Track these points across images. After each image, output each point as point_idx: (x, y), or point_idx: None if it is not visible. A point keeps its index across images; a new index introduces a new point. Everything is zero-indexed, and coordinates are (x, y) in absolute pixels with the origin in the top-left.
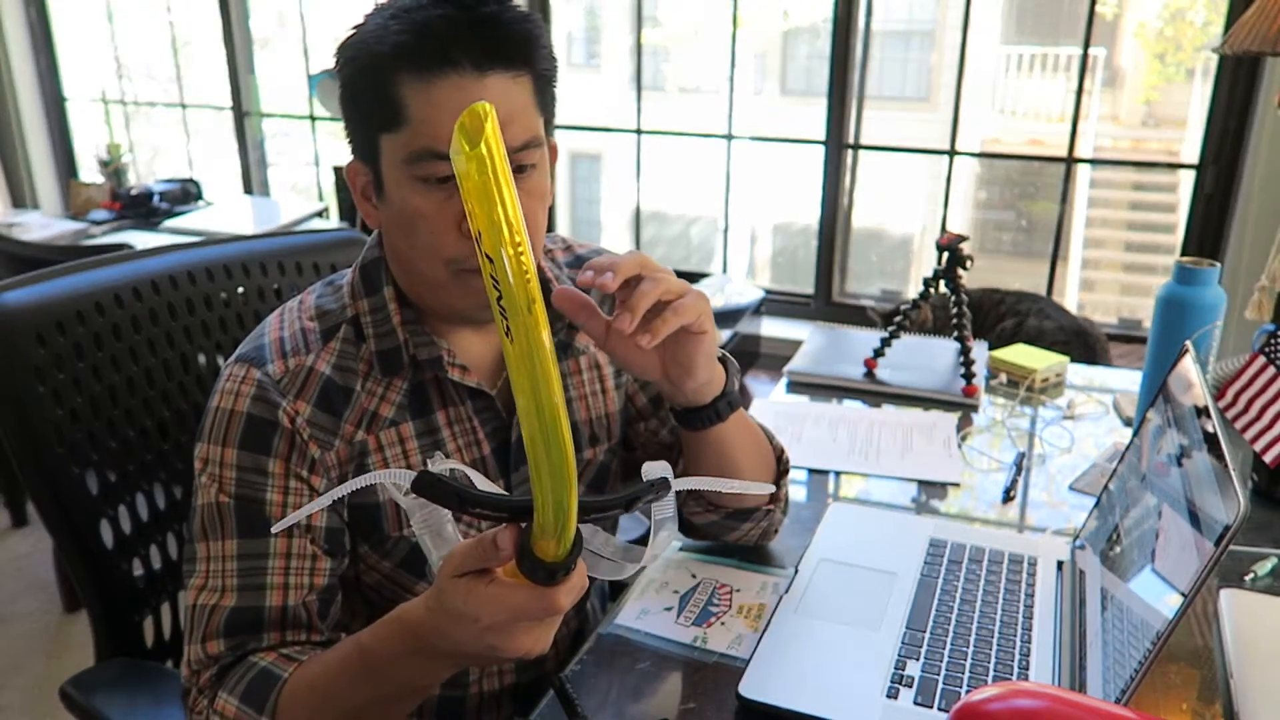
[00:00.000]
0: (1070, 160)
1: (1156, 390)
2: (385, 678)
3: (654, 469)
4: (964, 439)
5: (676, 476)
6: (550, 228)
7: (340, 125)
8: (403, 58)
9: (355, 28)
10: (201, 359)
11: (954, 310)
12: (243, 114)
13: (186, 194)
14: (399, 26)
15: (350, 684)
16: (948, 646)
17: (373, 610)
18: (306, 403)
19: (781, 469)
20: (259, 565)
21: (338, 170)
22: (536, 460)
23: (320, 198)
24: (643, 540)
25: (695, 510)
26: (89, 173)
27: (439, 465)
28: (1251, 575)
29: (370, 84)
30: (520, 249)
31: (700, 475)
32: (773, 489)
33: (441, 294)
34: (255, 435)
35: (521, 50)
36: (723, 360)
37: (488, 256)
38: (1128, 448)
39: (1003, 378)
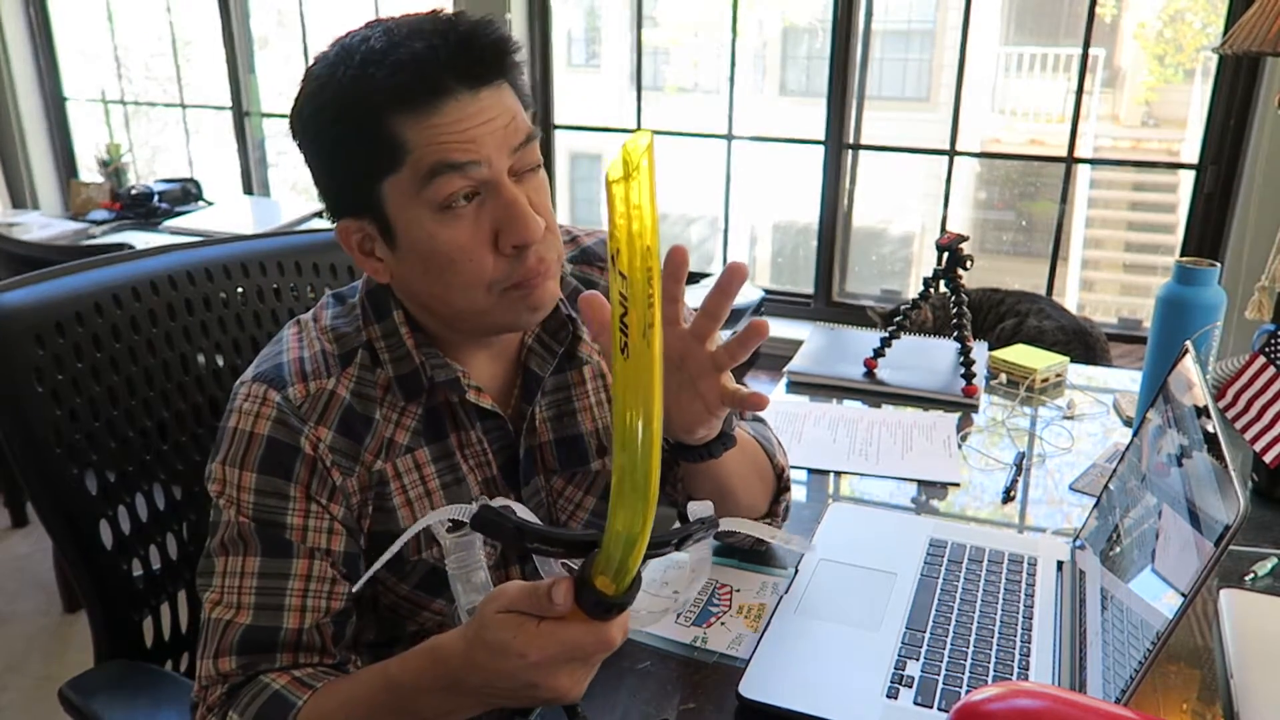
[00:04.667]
0: (1070, 160)
1: (1156, 390)
2: (409, 711)
3: (700, 509)
4: (964, 439)
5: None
6: None
7: None
8: (397, 100)
9: (316, 82)
10: (201, 359)
11: (954, 310)
12: (243, 114)
13: (186, 194)
14: (385, 72)
15: (371, 715)
16: (948, 646)
17: (384, 627)
18: (328, 429)
19: (782, 486)
20: (278, 586)
21: None
22: (620, 491)
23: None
24: None
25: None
26: (89, 173)
27: (496, 502)
28: (1251, 575)
29: (363, 136)
30: (652, 272)
31: (695, 498)
32: (809, 547)
33: (480, 320)
34: (276, 460)
35: (500, 59)
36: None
37: (621, 274)
38: (1128, 448)
39: (1003, 378)
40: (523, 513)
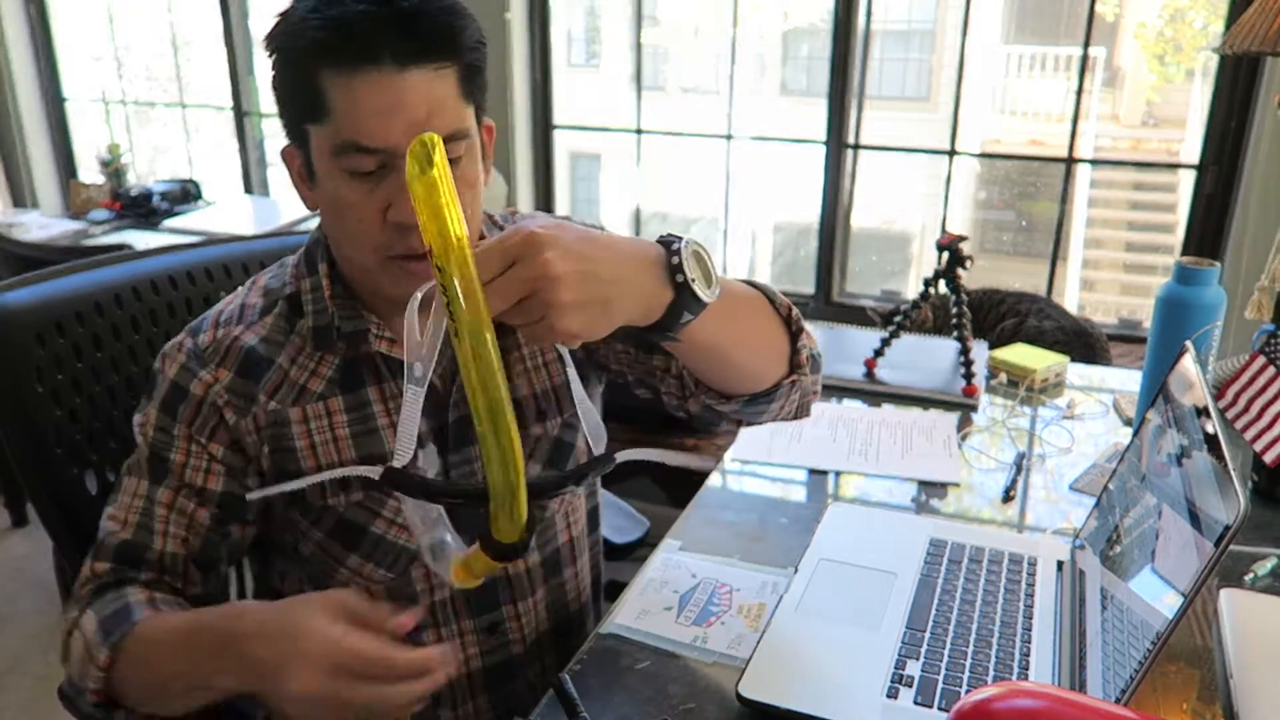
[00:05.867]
0: (1070, 160)
1: (1156, 390)
2: (192, 660)
3: (596, 437)
4: (964, 439)
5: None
6: None
7: None
8: (323, 54)
9: (280, 17)
10: None
11: (954, 310)
12: (243, 114)
13: (186, 194)
14: (318, 21)
15: (170, 653)
16: (948, 646)
17: (317, 582)
18: (228, 371)
19: (794, 332)
20: (151, 511)
21: None
22: (488, 454)
23: None
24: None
25: (712, 399)
26: (89, 173)
27: (403, 460)
28: (1251, 575)
29: (293, 77)
30: (465, 263)
31: (700, 379)
32: (712, 465)
33: (372, 278)
34: (171, 401)
35: (444, 43)
36: (684, 284)
37: (438, 267)
38: (1128, 448)
39: (1003, 378)
40: (431, 471)
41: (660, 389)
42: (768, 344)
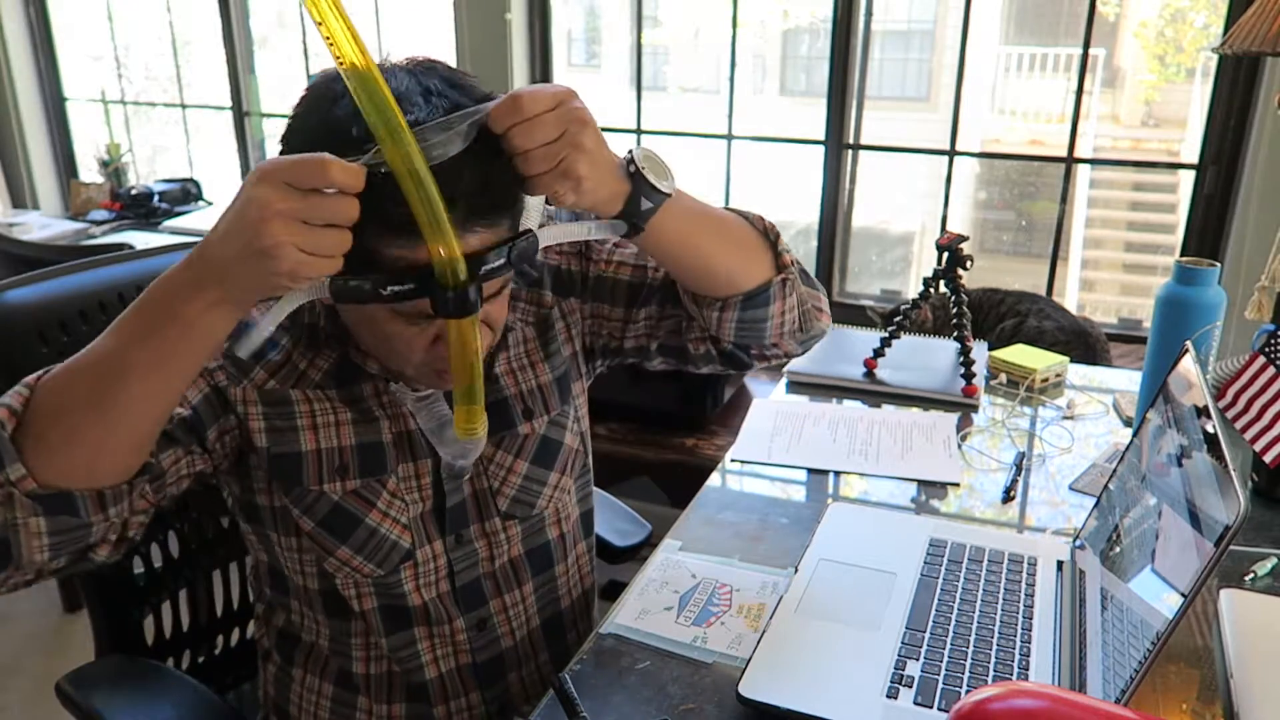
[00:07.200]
0: (1070, 160)
1: (1156, 390)
2: (140, 312)
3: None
4: (964, 439)
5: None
6: None
7: None
8: (385, 225)
9: (312, 139)
10: None
11: (954, 310)
12: (243, 114)
13: (186, 194)
14: (377, 196)
15: (107, 333)
16: (948, 646)
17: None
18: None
19: (772, 239)
20: None
21: None
22: (412, 203)
23: None
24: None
25: (713, 310)
26: (89, 173)
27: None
28: (1251, 575)
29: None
30: (366, 60)
31: (678, 279)
32: (620, 229)
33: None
34: None
35: (507, 210)
36: (634, 177)
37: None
38: (1128, 448)
39: (1003, 378)
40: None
41: (687, 340)
42: (743, 239)
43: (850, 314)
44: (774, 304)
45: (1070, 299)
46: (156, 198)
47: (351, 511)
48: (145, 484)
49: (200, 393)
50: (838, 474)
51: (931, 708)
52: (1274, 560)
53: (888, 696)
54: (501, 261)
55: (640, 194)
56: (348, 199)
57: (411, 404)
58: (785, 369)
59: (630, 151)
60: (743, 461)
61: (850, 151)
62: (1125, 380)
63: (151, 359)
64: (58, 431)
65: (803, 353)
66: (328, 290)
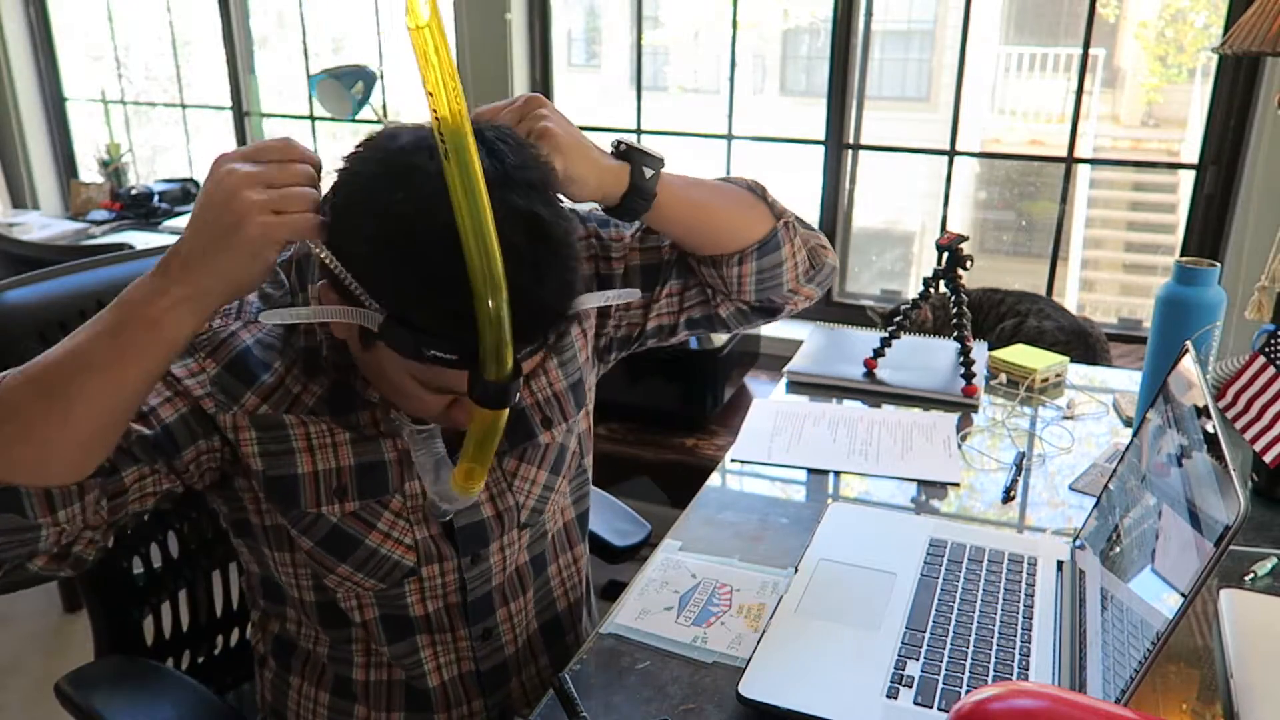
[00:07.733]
0: (1070, 160)
1: (1156, 390)
2: (107, 310)
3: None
4: (964, 439)
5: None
6: None
7: (338, 123)
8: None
9: (373, 243)
10: None
11: (954, 310)
12: (243, 114)
13: (186, 194)
14: (424, 319)
15: (70, 339)
16: (948, 646)
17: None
18: (216, 363)
19: (759, 192)
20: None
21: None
22: (476, 290)
23: None
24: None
25: (732, 266)
26: (89, 173)
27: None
28: (1251, 575)
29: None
30: (461, 106)
31: (696, 246)
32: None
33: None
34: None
35: (557, 325)
36: (627, 154)
37: (435, 113)
38: (1128, 448)
39: (1003, 378)
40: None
41: (715, 304)
42: (738, 196)
43: (850, 314)
44: (785, 247)
45: (1070, 299)
46: (156, 198)
47: (351, 534)
48: (101, 498)
49: (177, 413)
50: (838, 474)
51: (931, 708)
52: (1274, 560)
53: (888, 696)
54: (540, 343)
55: (640, 165)
56: (307, 165)
57: (408, 435)
58: (785, 369)
59: (613, 141)
60: (743, 461)
61: (850, 151)
62: (1125, 380)
63: (112, 356)
64: (13, 425)
65: (820, 295)
66: (376, 324)
